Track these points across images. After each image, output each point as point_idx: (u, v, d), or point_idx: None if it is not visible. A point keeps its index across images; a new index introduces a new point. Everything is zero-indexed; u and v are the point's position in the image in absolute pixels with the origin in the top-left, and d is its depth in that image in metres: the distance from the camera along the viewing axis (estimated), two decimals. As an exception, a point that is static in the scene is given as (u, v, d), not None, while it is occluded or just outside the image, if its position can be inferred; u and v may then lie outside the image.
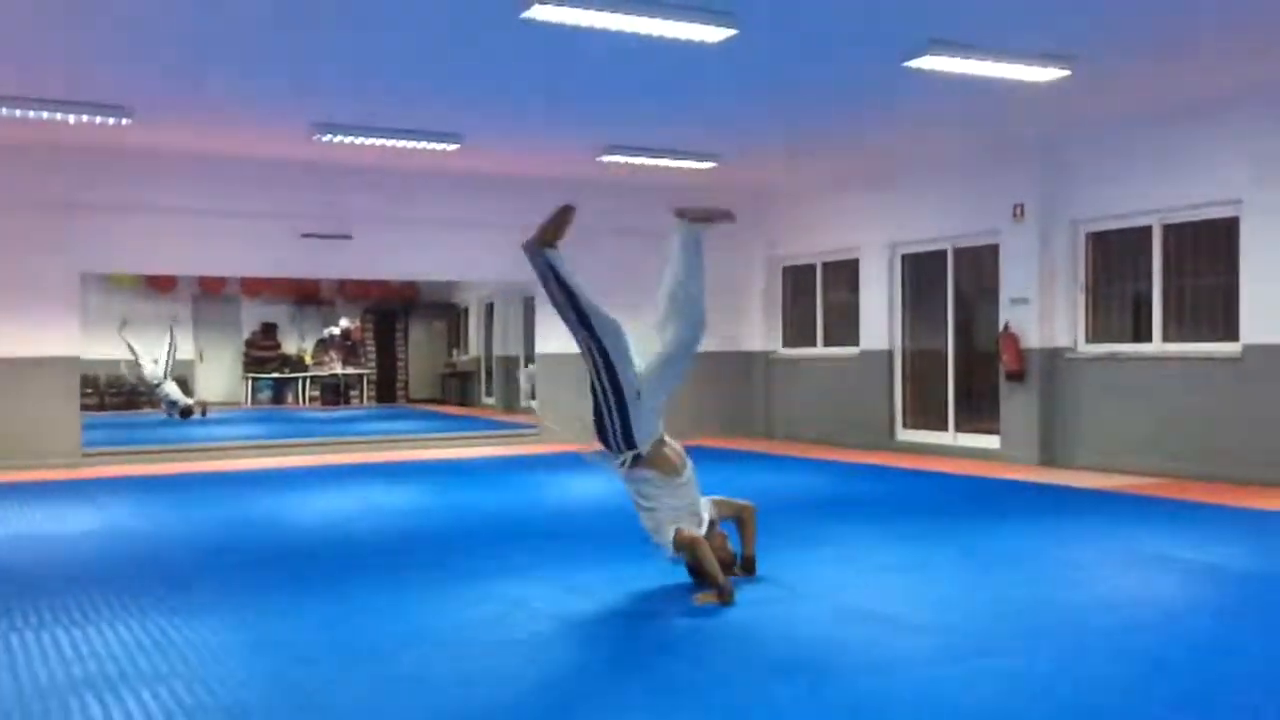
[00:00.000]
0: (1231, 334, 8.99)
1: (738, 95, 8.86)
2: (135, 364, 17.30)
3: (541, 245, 4.77)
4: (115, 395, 20.14)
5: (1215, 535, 6.60)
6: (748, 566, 5.22)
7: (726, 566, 4.94)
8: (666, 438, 5.10)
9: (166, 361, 17.20)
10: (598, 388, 4.90)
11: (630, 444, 4.92)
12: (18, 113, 8.79)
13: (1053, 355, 10.30)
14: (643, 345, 5.00)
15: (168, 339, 17.25)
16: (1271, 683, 3.69)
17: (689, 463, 5.10)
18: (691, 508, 5.00)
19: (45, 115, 8.91)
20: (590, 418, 4.98)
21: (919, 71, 7.75)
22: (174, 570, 5.75)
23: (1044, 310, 10.30)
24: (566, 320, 4.88)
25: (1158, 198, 9.43)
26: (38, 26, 6.98)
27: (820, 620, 4.57)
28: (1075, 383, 10.14)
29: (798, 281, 13.86)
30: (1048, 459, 10.23)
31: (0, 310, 10.46)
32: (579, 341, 4.90)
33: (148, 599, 4.94)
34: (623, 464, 4.96)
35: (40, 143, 10.29)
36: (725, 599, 4.70)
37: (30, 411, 10.54)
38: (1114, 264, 10.13)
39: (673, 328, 5.06)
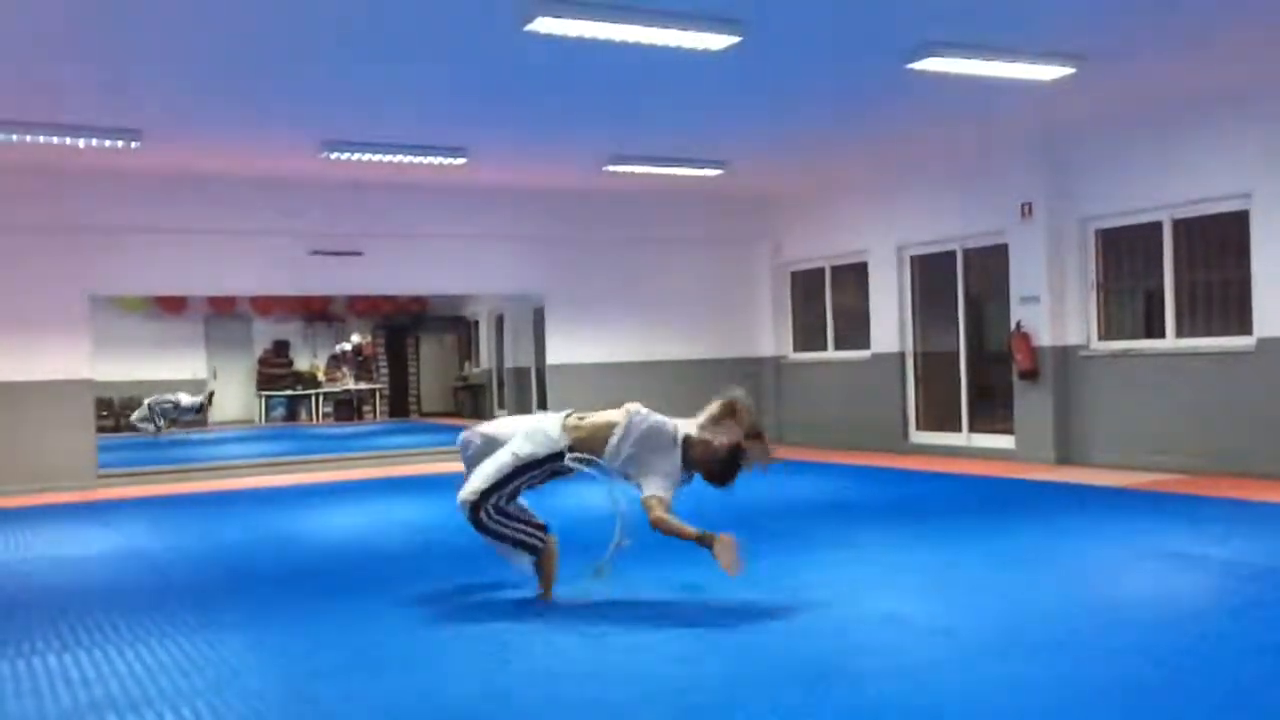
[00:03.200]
0: (1245, 328, 8.95)
1: (743, 102, 8.87)
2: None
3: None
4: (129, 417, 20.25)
5: (1234, 531, 6.56)
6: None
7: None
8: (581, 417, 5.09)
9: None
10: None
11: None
12: (28, 138, 8.86)
13: (1065, 353, 10.26)
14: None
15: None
16: (1296, 678, 3.67)
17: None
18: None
19: (56, 140, 8.98)
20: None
21: (922, 73, 7.75)
22: (192, 589, 5.76)
23: (1055, 309, 10.27)
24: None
25: (1167, 193, 9.40)
26: (48, 53, 7.04)
27: (837, 624, 4.56)
28: (1089, 380, 10.10)
29: (807, 286, 13.85)
30: (1063, 458, 10.19)
31: (12, 334, 10.51)
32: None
33: (167, 619, 4.95)
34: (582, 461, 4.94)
35: (49, 166, 10.35)
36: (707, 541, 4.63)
37: (45, 435, 10.59)
38: (1125, 260, 10.09)
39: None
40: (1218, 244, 9.32)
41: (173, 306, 20.53)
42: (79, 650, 4.45)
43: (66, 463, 10.67)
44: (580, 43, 6.79)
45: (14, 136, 8.77)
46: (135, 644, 4.51)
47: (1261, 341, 8.73)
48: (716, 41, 6.85)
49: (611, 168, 11.09)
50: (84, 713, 3.62)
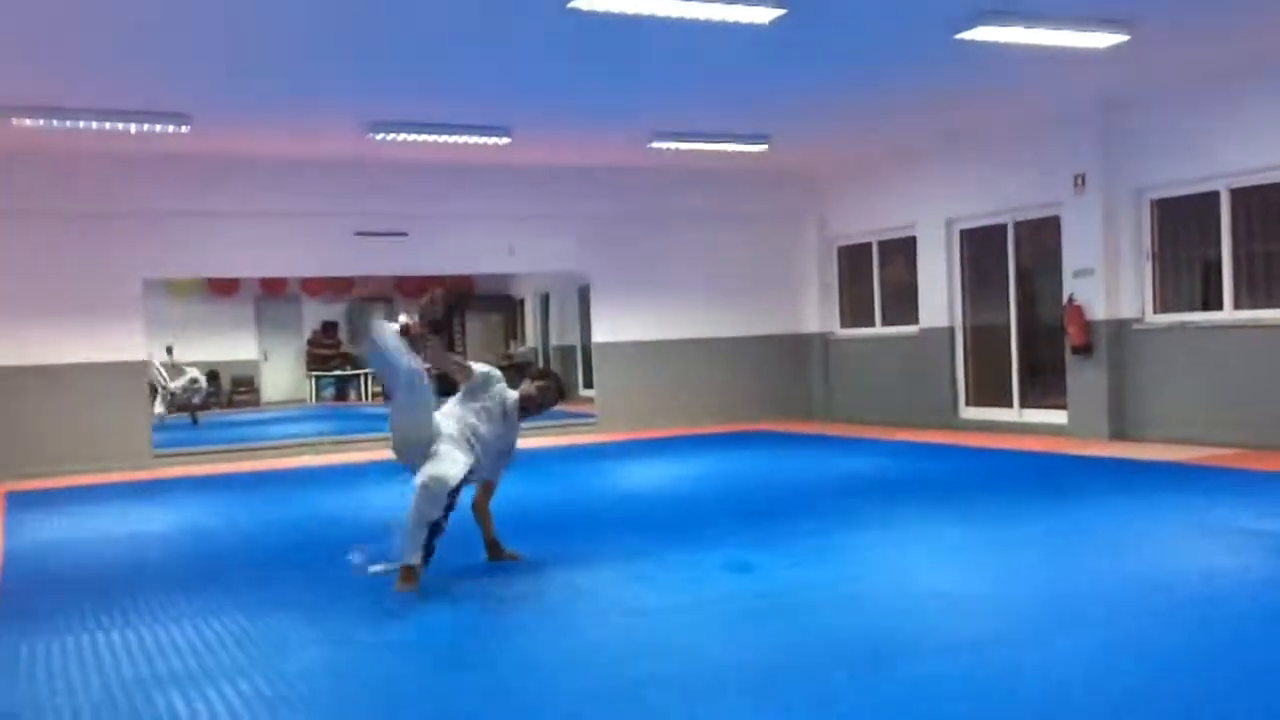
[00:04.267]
0: (1306, 298, 8.74)
1: (788, 75, 8.77)
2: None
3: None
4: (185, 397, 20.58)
5: (1296, 506, 6.43)
6: None
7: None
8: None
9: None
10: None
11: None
12: (80, 124, 9.00)
13: (1120, 327, 10.08)
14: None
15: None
16: (1363, 655, 3.59)
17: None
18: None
19: (107, 125, 9.11)
20: None
21: (972, 43, 7.61)
22: (248, 566, 5.86)
23: (1109, 281, 10.08)
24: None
25: (1224, 161, 9.18)
26: (98, 40, 7.13)
27: (887, 601, 4.53)
28: (1144, 354, 9.92)
29: (854, 261, 13.72)
30: (1118, 433, 10.03)
31: (69, 317, 10.71)
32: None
33: (224, 595, 5.04)
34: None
35: (101, 151, 10.51)
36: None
37: (101, 415, 10.81)
38: (1181, 231, 9.88)
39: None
40: (1277, 213, 9.09)
41: (224, 289, 20.81)
42: (140, 625, 4.54)
43: (122, 443, 10.88)
44: (623, 18, 6.74)
45: (66, 123, 8.91)
46: (194, 619, 4.60)
47: (1324, 313, 8.53)
48: (761, 14, 6.77)
49: (656, 144, 11.03)
50: (146, 685, 3.69)
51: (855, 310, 13.72)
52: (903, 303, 12.85)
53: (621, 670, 3.71)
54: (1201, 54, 8.63)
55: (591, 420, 13.35)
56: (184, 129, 9.32)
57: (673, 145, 11.12)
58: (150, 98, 8.64)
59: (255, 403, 20.60)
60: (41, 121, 8.84)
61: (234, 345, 21.12)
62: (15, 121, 8.78)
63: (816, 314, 13.95)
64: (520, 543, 5.66)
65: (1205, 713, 3.11)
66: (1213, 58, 8.74)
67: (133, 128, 9.23)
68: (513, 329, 23.08)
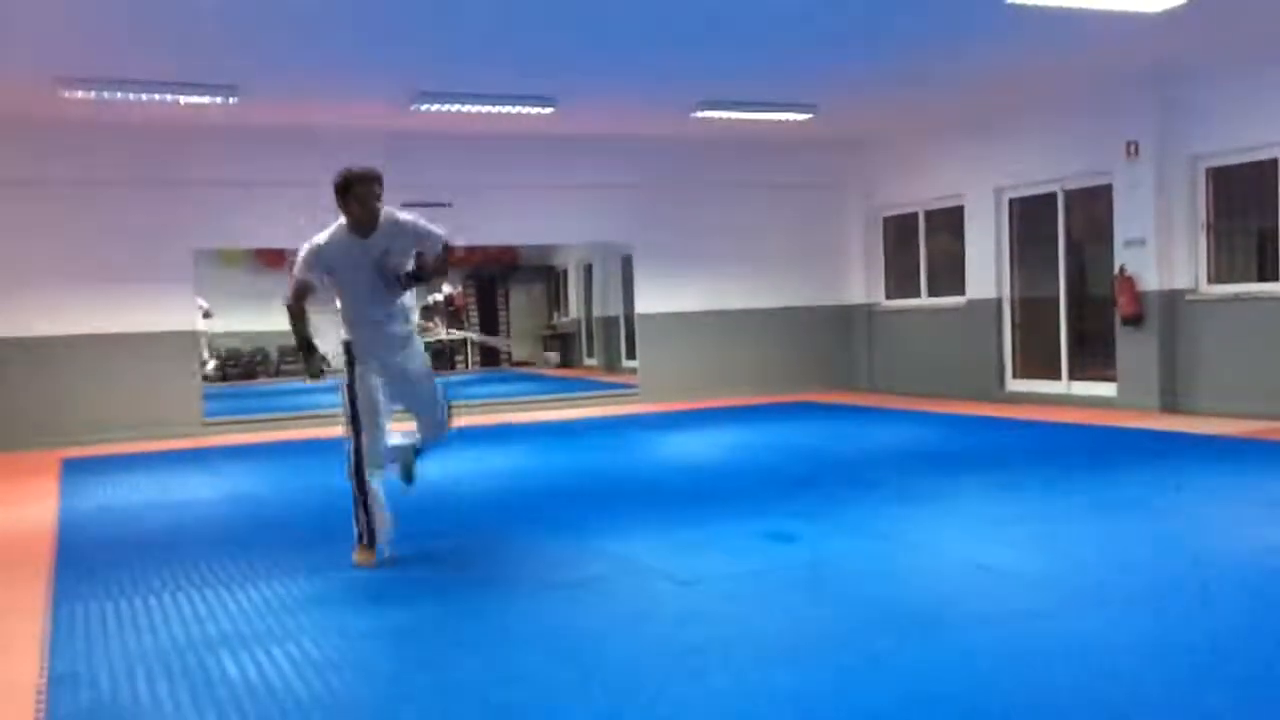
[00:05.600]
0: (1367, 269, 8.52)
1: (834, 43, 8.66)
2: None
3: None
4: (234, 367, 20.90)
5: (1352, 481, 6.30)
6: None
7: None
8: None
9: None
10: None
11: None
12: (131, 96, 9.10)
13: (1172, 298, 9.89)
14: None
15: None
16: None
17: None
18: None
19: (158, 97, 9.22)
20: None
21: (1022, 6, 7.46)
22: (295, 532, 5.95)
23: (1162, 251, 9.89)
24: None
25: (1284, 128, 8.95)
26: (147, 12, 7.19)
27: (931, 573, 4.51)
28: (1197, 326, 9.74)
29: (900, 231, 13.57)
30: (1169, 406, 9.87)
31: (122, 286, 10.90)
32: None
33: (273, 561, 5.12)
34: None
35: (152, 123, 10.63)
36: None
37: (153, 384, 11.00)
38: (1236, 200, 9.66)
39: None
40: (1339, 181, 8.86)
41: (272, 260, 21.03)
42: (190, 589, 4.63)
43: (173, 411, 11.08)
44: (668, -15, 6.68)
45: (116, 94, 9.02)
46: (244, 583, 4.69)
47: (1385, 283, 8.31)
48: (807, -20, 6.68)
49: (700, 114, 10.95)
50: (198, 648, 3.77)
51: (901, 281, 13.58)
52: (950, 273, 12.70)
53: (670, 638, 3.73)
54: (1257, 20, 8.39)
55: (634, 391, 13.37)
56: (231, 100, 9.40)
57: (718, 114, 11.04)
58: (198, 69, 8.71)
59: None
60: (92, 94, 8.96)
61: (282, 316, 21.32)
62: (67, 94, 8.91)
63: (862, 284, 13.83)
64: (565, 512, 5.69)
65: (1255, 692, 3.07)
66: (1269, 23, 8.50)
67: (181, 99, 9.32)
68: (556, 300, 23.13)
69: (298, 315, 5.03)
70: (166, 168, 10.98)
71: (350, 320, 5.07)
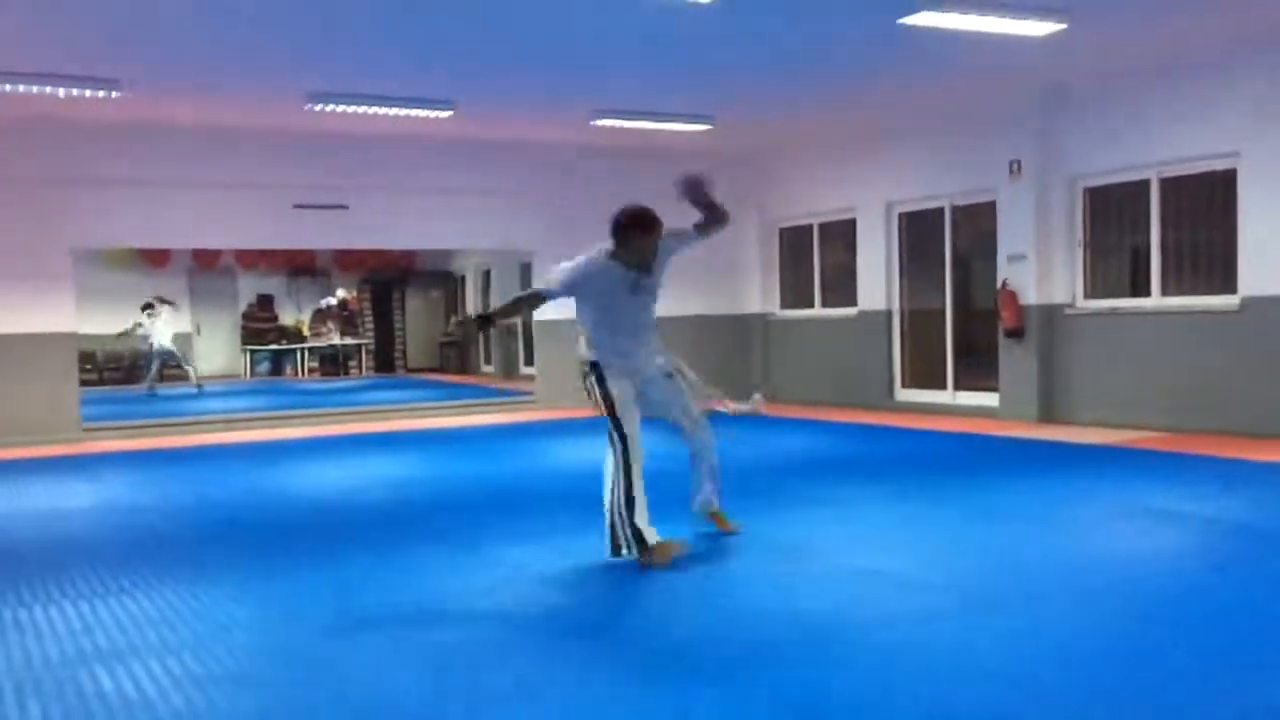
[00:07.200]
0: (1230, 286, 8.98)
1: (732, 56, 8.78)
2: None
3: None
4: (114, 370, 20.16)
5: (1217, 489, 6.62)
6: None
7: None
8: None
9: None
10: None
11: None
12: (6, 87, 8.71)
13: (1051, 312, 10.28)
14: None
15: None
16: (1276, 635, 3.72)
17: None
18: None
19: (35, 89, 8.84)
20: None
21: (915, 28, 7.68)
22: (178, 543, 5.77)
23: (1042, 267, 10.27)
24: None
25: (1155, 151, 9.38)
26: (26, 1, 6.91)
27: (823, 579, 4.59)
28: (1074, 339, 10.14)
29: (794, 243, 13.82)
30: (1047, 416, 10.25)
31: (-4, 286, 10.44)
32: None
33: (153, 572, 4.95)
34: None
35: (31, 118, 10.21)
36: None
37: (29, 388, 10.53)
38: (1112, 218, 10.09)
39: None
40: (1204, 202, 9.32)
41: (157, 260, 20.37)
42: (65, 602, 4.45)
43: (50, 416, 10.63)
44: (568, -7, 6.69)
45: (-7, 85, 8.64)
46: (121, 596, 4.52)
47: (1245, 300, 8.77)
48: (706, -7, 6.76)
49: (599, 122, 10.99)
50: (72, 663, 3.63)
51: (796, 292, 13.83)
52: (843, 285, 12.97)
53: (541, 648, 3.71)
54: (1135, 47, 8.80)
55: (530, 399, 13.30)
56: (113, 94, 9.08)
57: (616, 123, 11.08)
58: (78, 61, 8.39)
59: (187, 377, 20.17)
60: (-35, 84, 8.56)
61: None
62: (-64, 84, 8.50)
63: (758, 295, 14.03)
64: (458, 519, 5.61)
65: (1124, 694, 3.20)
66: (1145, 51, 8.92)
67: (60, 92, 8.96)
68: (454, 306, 22.91)
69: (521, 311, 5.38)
70: (43, 165, 10.54)
71: (601, 345, 5.11)
